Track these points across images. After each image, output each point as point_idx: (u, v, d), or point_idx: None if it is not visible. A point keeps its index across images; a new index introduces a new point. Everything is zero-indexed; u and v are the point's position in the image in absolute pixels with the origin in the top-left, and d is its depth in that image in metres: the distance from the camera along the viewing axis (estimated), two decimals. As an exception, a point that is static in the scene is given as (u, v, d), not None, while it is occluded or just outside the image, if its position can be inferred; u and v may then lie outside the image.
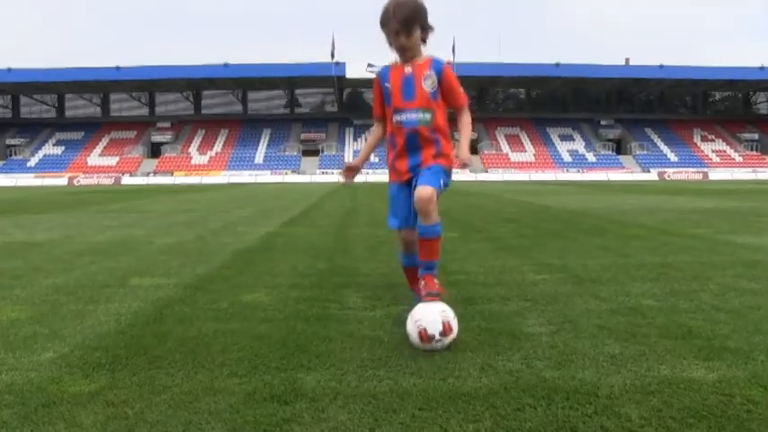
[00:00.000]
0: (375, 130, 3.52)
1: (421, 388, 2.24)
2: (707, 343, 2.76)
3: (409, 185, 3.23)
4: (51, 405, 2.10)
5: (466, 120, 3.25)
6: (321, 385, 2.27)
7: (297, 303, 3.65)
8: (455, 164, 3.24)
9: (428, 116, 3.16)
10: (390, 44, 3.16)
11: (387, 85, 3.25)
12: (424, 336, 2.66)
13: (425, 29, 3.14)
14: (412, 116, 3.17)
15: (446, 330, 2.67)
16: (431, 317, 2.69)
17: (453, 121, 3.32)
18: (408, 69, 3.18)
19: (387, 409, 2.05)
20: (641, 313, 3.33)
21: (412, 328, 2.72)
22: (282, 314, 3.38)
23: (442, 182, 3.14)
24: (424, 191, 3.01)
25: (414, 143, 3.19)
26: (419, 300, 3.05)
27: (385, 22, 3.09)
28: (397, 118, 3.22)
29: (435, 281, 3.11)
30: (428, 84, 3.15)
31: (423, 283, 3.10)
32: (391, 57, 3.26)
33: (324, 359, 2.58)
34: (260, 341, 2.84)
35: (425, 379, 2.33)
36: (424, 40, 3.18)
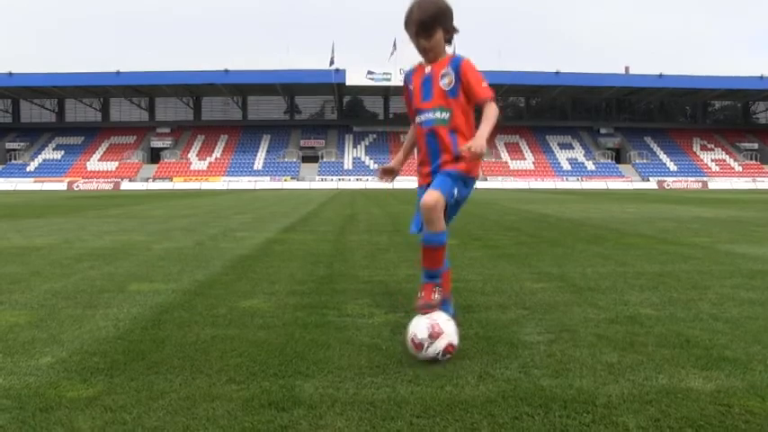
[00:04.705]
0: (410, 132, 3.36)
1: (418, 396, 2.24)
2: (705, 352, 2.76)
3: None
4: (49, 410, 2.10)
5: (488, 112, 2.94)
6: (319, 392, 2.27)
7: (295, 310, 3.65)
8: (474, 170, 3.06)
9: (445, 115, 3.02)
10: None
11: (410, 87, 3.19)
12: (416, 344, 2.65)
13: (449, 30, 3.05)
14: (429, 116, 3.06)
15: (434, 333, 2.64)
16: (420, 325, 2.70)
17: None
18: (428, 69, 3.09)
19: (384, 416, 2.05)
20: (639, 322, 3.33)
21: (407, 339, 2.72)
22: (281, 321, 3.38)
23: (455, 190, 2.96)
24: (429, 196, 2.88)
25: (433, 144, 3.06)
26: (446, 306, 3.01)
27: (407, 24, 3.03)
28: (418, 119, 3.14)
29: (434, 292, 2.93)
30: (445, 82, 3.03)
31: (421, 293, 2.93)
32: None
33: (322, 366, 2.58)
34: (258, 348, 2.84)
35: (423, 387, 2.33)
36: (448, 41, 3.08)
